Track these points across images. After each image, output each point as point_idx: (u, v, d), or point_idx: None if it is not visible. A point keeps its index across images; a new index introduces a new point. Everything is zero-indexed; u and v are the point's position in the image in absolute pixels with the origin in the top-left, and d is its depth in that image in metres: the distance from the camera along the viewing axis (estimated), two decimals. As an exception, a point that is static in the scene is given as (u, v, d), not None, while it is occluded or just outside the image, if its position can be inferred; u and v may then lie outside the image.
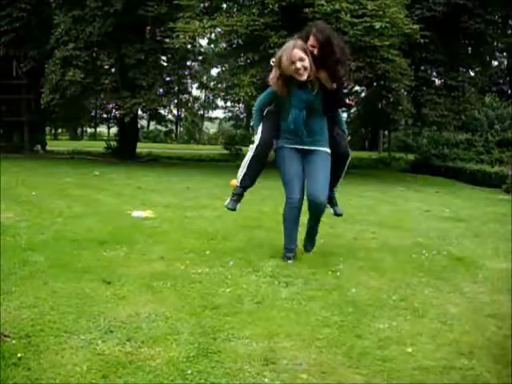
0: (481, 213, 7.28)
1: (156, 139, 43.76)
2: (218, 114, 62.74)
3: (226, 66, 17.87)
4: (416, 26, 12.67)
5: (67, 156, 18.55)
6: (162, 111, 32.36)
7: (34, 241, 4.20)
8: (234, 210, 3.97)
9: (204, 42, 23.80)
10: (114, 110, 31.85)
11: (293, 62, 3.55)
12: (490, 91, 21.24)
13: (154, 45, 15.90)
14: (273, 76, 3.72)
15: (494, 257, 4.37)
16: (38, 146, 20.06)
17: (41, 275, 3.27)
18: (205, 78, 37.54)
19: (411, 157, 19.53)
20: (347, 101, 4.46)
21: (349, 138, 4.18)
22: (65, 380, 2.02)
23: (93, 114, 36.90)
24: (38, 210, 5.78)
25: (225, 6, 15.13)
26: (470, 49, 18.46)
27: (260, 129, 3.86)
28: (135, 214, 5.71)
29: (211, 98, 49.03)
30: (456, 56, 16.95)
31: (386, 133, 27.57)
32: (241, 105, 41.47)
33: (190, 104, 46.36)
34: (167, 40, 13.24)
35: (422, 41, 13.13)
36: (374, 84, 16.91)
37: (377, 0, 12.12)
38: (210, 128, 54.23)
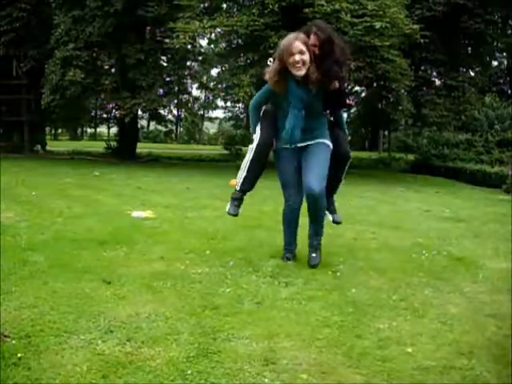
0: (481, 213, 7.28)
1: (156, 139, 43.73)
2: (218, 114, 62.77)
3: (226, 66, 17.85)
4: (416, 26, 12.67)
5: (67, 156, 18.54)
6: (162, 111, 32.37)
7: (34, 241, 4.20)
8: (236, 215, 3.87)
9: (204, 42, 23.80)
10: (114, 111, 31.87)
11: (292, 54, 3.39)
12: (490, 91, 21.24)
13: (154, 45, 15.89)
14: (271, 69, 3.56)
15: (494, 257, 4.37)
16: (38, 146, 20.04)
17: (41, 275, 3.27)
18: (205, 78, 37.55)
19: (411, 157, 19.54)
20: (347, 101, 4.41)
21: (349, 138, 4.13)
22: (65, 380, 2.02)
23: (93, 114, 36.90)
24: (38, 210, 5.78)
25: (225, 6, 15.13)
26: (469, 49, 18.46)
27: (259, 128, 3.75)
28: (135, 214, 5.72)
29: (211, 98, 49.05)
30: (456, 56, 16.95)
31: (386, 133, 27.54)
32: (241, 105, 41.42)
33: (189, 104, 46.45)
34: (167, 40, 13.24)
35: (421, 41, 13.12)
36: (374, 84, 16.91)
37: (377, 0, 12.12)
38: (210, 128, 54.22)
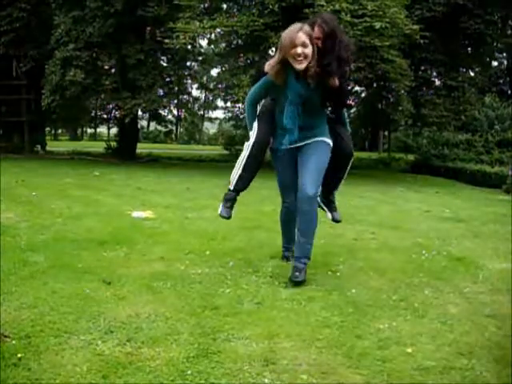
0: (481, 213, 7.28)
1: (156, 140, 43.75)
2: (218, 114, 62.75)
3: (226, 66, 17.86)
4: (416, 27, 12.66)
5: (67, 156, 18.53)
6: (162, 112, 32.41)
7: (34, 241, 4.20)
8: (228, 218, 3.62)
9: (204, 42, 23.82)
10: (114, 111, 31.91)
11: (294, 46, 3.18)
12: (490, 91, 21.23)
13: (154, 45, 15.89)
14: (272, 59, 3.36)
15: (493, 257, 4.37)
16: (38, 147, 20.03)
17: (41, 276, 3.27)
18: (205, 78, 37.58)
19: (411, 157, 19.54)
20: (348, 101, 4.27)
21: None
22: (65, 380, 2.02)
23: (93, 114, 36.91)
24: (38, 211, 5.78)
25: (225, 6, 15.14)
26: (469, 49, 18.44)
27: (256, 125, 3.54)
28: (135, 214, 5.72)
29: (211, 98, 49.07)
30: (456, 56, 16.94)
31: (386, 133, 27.55)
32: (240, 105, 41.44)
33: (189, 104, 46.51)
34: (167, 40, 13.23)
35: (421, 41, 13.12)
36: (374, 84, 16.91)
37: (377, 0, 12.12)
38: (210, 128, 54.23)
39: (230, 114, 49.79)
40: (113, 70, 17.04)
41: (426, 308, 2.96)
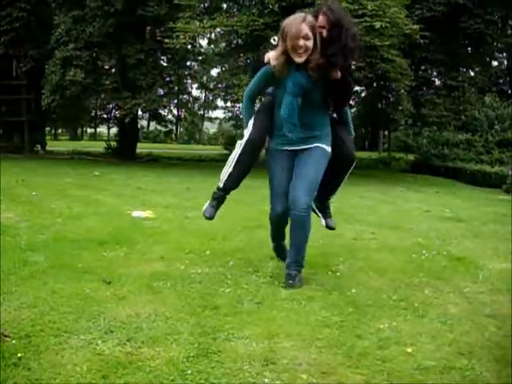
0: (481, 213, 7.28)
1: (156, 139, 43.77)
2: (218, 114, 62.74)
3: (226, 66, 17.86)
4: (416, 26, 12.66)
5: (67, 156, 18.53)
6: (162, 111, 32.39)
7: (34, 241, 4.20)
8: (211, 218, 3.43)
9: (204, 42, 23.80)
10: (114, 111, 31.92)
11: (296, 38, 3.02)
12: (490, 91, 21.23)
13: (154, 45, 15.90)
14: (276, 53, 3.16)
15: (494, 257, 4.37)
16: (38, 147, 20.04)
17: (41, 275, 3.27)
18: (205, 78, 37.58)
19: (411, 157, 19.54)
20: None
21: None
22: (65, 380, 2.02)
23: (93, 114, 36.93)
24: (38, 211, 5.78)
25: (225, 6, 15.14)
26: (469, 49, 18.44)
27: (251, 122, 3.34)
28: (135, 214, 5.72)
29: (211, 98, 49.07)
30: (456, 56, 16.94)
31: (386, 133, 27.56)
32: (240, 105, 41.42)
33: (189, 104, 46.51)
34: (167, 40, 13.24)
35: (421, 41, 13.12)
36: (374, 84, 16.91)
37: (377, 0, 12.12)
38: (210, 128, 54.23)
39: (229, 114, 49.85)
40: (113, 70, 17.06)
41: (426, 308, 2.96)
